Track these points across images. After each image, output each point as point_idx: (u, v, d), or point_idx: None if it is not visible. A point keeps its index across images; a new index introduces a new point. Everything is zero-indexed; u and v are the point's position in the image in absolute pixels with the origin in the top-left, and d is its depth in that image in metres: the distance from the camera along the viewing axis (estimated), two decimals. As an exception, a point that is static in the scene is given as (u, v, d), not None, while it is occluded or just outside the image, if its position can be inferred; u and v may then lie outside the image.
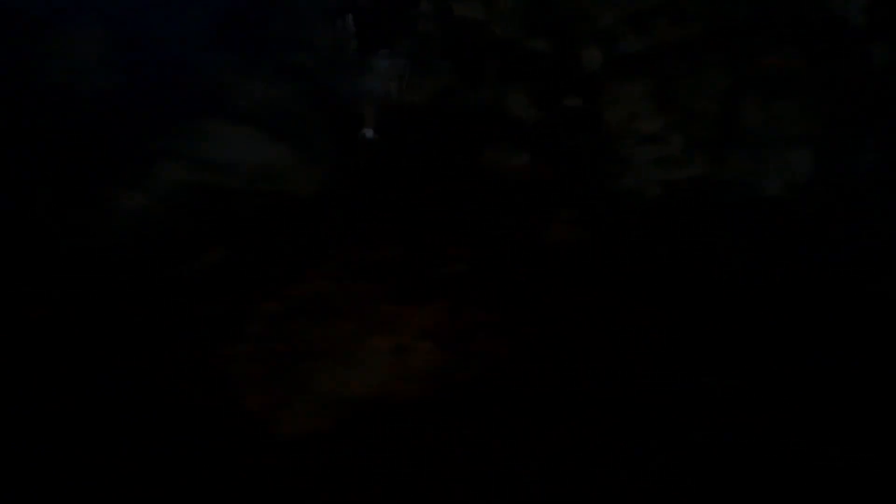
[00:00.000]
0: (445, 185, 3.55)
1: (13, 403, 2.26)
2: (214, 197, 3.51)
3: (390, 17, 3.69)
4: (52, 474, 2.07)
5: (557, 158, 3.66)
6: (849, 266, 2.88)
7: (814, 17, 3.65)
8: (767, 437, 2.05)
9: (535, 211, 3.36)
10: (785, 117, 3.67)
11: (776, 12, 3.67)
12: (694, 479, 2.05)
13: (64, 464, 2.09)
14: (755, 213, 3.45)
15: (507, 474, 2.15)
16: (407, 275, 3.04)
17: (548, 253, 3.13)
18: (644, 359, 2.48)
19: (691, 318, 2.65)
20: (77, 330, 2.58)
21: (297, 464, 2.19)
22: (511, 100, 3.78)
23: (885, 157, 3.56)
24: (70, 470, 2.08)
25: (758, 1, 3.66)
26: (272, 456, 2.21)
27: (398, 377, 2.51)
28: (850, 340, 2.35)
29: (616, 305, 2.80)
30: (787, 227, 3.31)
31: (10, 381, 2.34)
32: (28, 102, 3.74)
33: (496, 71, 3.81)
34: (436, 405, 2.41)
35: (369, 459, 2.21)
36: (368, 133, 3.79)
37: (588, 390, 2.37)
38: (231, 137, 3.80)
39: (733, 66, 3.70)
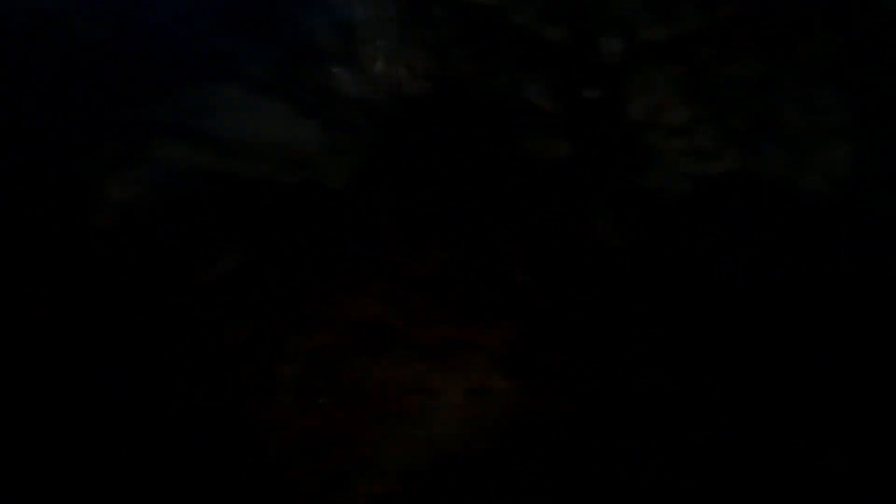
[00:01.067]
0: (487, 178, 3.46)
1: (13, 403, 2.32)
2: (228, 186, 3.17)
3: (404, 3, 3.83)
4: (52, 474, 2.15)
5: (585, 152, 3.76)
6: (851, 265, 2.92)
7: (849, 1, 3.68)
8: (767, 437, 2.13)
9: (579, 209, 3.36)
10: (822, 107, 3.71)
11: (812, -5, 3.72)
12: (694, 479, 2.15)
13: (64, 464, 2.17)
14: (791, 209, 3.51)
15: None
16: (466, 288, 2.82)
17: (603, 259, 3.05)
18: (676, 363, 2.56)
19: (729, 319, 2.68)
20: (77, 332, 2.51)
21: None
22: (530, 90, 3.90)
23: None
24: (70, 470, 2.16)
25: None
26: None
27: (475, 429, 2.27)
28: (850, 340, 2.41)
29: (680, 315, 2.71)
30: (824, 224, 3.37)
31: (10, 381, 2.37)
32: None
33: (513, 60, 3.94)
34: (520, 460, 2.19)
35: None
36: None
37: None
38: (247, 110, 3.48)
39: (767, 53, 3.76)
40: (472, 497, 2.09)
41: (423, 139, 3.75)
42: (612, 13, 3.84)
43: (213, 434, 2.25)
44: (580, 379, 2.45)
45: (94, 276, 2.75)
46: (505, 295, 2.82)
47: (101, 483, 2.17)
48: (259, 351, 2.43)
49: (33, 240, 2.88)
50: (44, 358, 2.44)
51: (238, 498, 2.10)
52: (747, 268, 3.15)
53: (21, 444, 2.21)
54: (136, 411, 2.31)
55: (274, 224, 3.05)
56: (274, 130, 3.50)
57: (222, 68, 3.65)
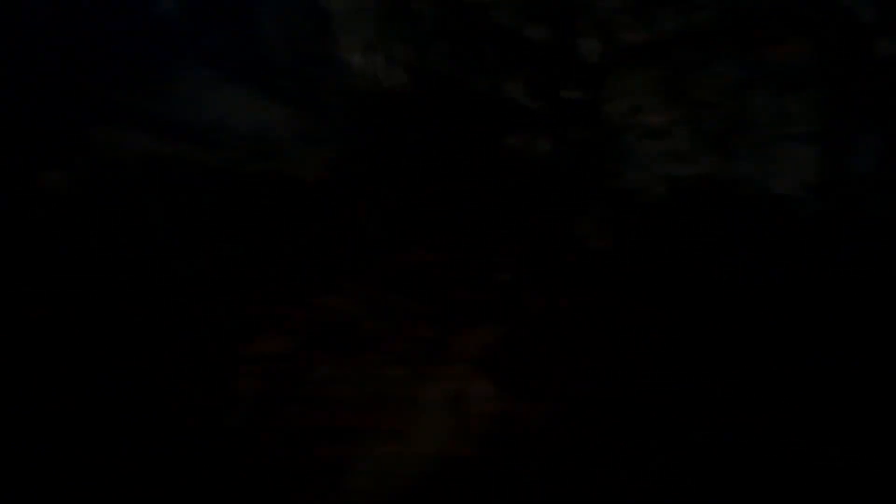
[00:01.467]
0: (467, 174, 3.38)
1: (13, 403, 2.18)
2: (188, 176, 2.95)
3: None
4: (52, 474, 2.02)
5: (567, 152, 3.82)
6: (851, 265, 3.05)
7: (822, 8, 3.82)
8: (767, 437, 2.21)
9: (562, 208, 3.39)
10: (793, 113, 3.83)
11: (785, 1, 3.85)
12: (694, 479, 2.21)
13: (64, 464, 2.04)
14: (762, 212, 3.64)
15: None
16: (447, 288, 2.69)
17: (588, 259, 3.04)
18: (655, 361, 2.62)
19: (717, 319, 2.72)
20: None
21: None
22: (511, 88, 3.93)
23: (887, 155, 3.75)
24: (70, 470, 2.02)
25: (767, -10, 3.82)
26: None
27: (459, 439, 2.08)
28: (850, 340, 2.51)
29: (669, 314, 2.68)
30: (794, 226, 3.50)
31: (10, 380, 2.22)
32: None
33: (493, 57, 3.97)
34: (509, 469, 2.02)
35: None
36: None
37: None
38: (217, 98, 3.30)
39: (741, 57, 3.86)
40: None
41: (401, 133, 3.73)
42: (592, 13, 3.90)
43: (156, 454, 2.02)
44: (568, 380, 2.40)
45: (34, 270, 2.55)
46: (488, 295, 2.74)
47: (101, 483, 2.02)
48: (219, 355, 2.23)
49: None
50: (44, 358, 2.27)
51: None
52: (727, 267, 3.26)
53: (21, 444, 2.06)
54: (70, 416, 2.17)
55: (241, 216, 2.89)
56: (245, 119, 3.39)
57: (181, 45, 3.51)
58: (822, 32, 3.81)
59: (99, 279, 2.57)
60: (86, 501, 1.97)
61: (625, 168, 3.80)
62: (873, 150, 3.79)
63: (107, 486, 1.99)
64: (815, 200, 3.66)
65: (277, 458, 1.98)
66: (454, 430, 2.14)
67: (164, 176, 3.02)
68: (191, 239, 2.80)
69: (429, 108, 3.89)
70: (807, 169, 3.72)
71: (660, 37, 3.88)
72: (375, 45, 3.92)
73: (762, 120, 3.83)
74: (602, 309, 2.75)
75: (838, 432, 2.20)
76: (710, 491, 2.19)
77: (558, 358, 2.49)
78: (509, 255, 3.08)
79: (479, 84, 3.93)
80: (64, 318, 2.42)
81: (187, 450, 2.02)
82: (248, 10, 3.87)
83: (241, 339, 2.33)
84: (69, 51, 3.39)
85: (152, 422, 2.12)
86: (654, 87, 3.86)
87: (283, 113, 3.64)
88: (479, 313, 2.62)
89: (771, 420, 2.25)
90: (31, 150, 2.92)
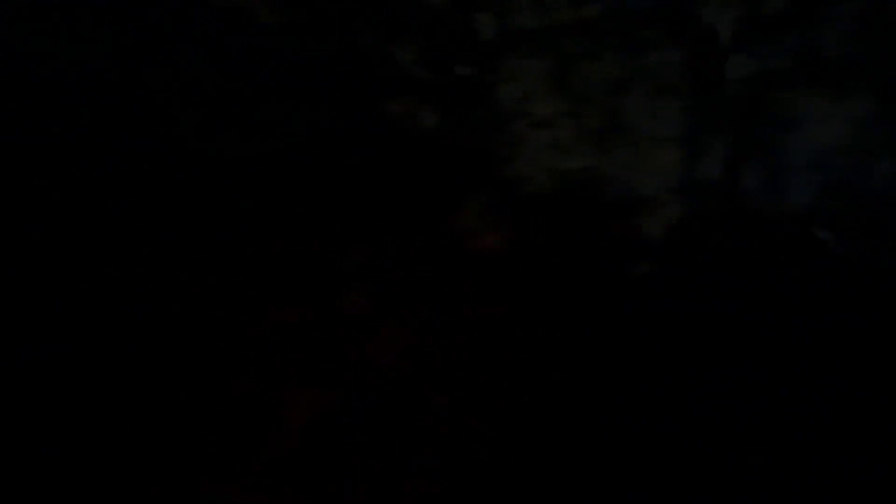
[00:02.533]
0: (332, 140, 2.80)
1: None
2: None
3: None
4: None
5: (453, 131, 3.65)
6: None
7: (693, 21, 4.09)
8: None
9: (444, 193, 3.24)
10: (663, 116, 4.07)
11: (664, 10, 4.06)
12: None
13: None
14: (632, 207, 3.82)
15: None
16: (259, 330, 1.78)
17: (469, 259, 2.78)
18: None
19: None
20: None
21: None
22: (400, 53, 3.68)
23: (730, 162, 4.16)
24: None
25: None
26: None
27: None
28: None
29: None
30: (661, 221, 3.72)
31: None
32: None
33: (384, 18, 3.68)
34: None
35: None
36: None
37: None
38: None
39: (624, 56, 4.00)
40: None
41: (265, 81, 3.23)
42: (490, -9, 3.79)
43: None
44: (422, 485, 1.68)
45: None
46: (325, 333, 1.83)
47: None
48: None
49: None
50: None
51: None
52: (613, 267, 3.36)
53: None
54: None
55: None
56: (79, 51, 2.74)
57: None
58: (692, 44, 4.08)
59: None
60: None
61: (514, 155, 3.75)
62: (719, 157, 4.18)
63: None
64: (671, 196, 3.94)
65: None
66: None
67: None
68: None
69: (301, 58, 3.47)
70: (671, 167, 3.98)
71: (551, 26, 3.88)
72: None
73: (637, 120, 4.02)
74: (481, 347, 2.13)
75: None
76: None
77: (414, 441, 1.77)
78: (368, 262, 2.46)
79: (364, 39, 3.62)
80: None
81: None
82: None
83: None
84: None
85: None
86: (544, 76, 3.85)
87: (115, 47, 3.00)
88: (301, 371, 1.73)
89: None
90: None
